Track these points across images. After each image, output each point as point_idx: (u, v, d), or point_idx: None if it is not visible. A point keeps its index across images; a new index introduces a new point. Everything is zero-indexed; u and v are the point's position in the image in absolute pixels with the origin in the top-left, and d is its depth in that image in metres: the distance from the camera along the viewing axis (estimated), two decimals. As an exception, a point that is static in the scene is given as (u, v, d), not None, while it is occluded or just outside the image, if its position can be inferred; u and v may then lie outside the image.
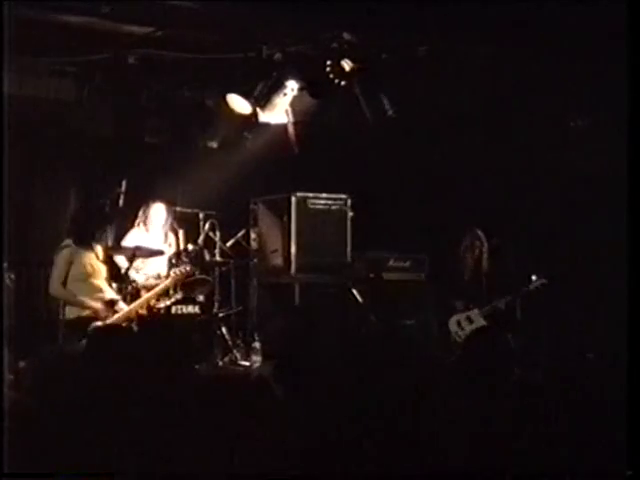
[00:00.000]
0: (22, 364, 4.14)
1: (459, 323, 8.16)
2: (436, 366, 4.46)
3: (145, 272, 8.66)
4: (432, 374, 4.21)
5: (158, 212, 8.90)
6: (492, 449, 3.51)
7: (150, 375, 3.81)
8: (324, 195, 10.11)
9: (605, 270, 7.85)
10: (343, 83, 7.17)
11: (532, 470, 3.18)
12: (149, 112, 8.88)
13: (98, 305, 7.35)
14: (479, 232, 8.28)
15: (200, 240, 9.41)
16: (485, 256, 8.23)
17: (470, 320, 8.11)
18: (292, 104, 7.48)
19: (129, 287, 8.08)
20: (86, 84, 8.40)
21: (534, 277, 7.90)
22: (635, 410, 3.50)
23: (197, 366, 7.87)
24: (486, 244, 8.23)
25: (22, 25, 6.72)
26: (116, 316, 7.38)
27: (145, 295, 7.99)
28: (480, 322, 8.03)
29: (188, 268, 8.18)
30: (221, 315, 9.36)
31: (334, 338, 4.88)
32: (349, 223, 10.08)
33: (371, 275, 9.73)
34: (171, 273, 8.16)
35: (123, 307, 7.56)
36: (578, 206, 8.45)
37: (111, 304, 7.38)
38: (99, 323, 7.12)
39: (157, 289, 8.06)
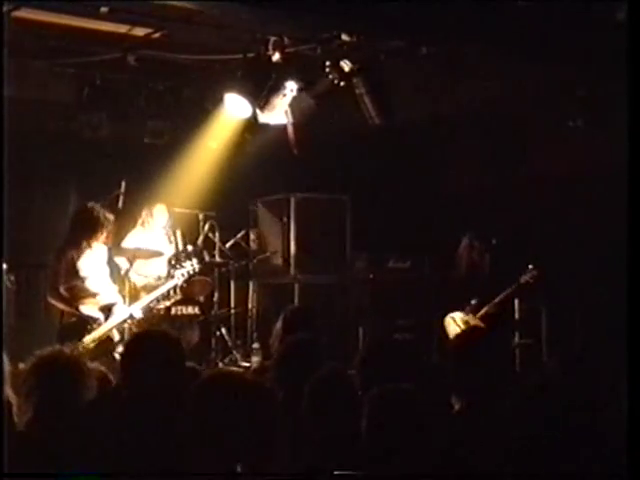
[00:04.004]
0: (21, 366, 4.11)
1: (456, 324, 8.10)
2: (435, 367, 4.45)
3: (145, 273, 8.65)
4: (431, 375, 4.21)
5: (158, 213, 8.90)
6: (491, 450, 3.51)
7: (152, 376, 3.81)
8: (324, 195, 10.11)
9: (605, 270, 7.84)
10: (342, 84, 7.17)
11: (532, 471, 3.18)
12: (149, 113, 8.88)
13: (93, 312, 7.29)
14: (478, 233, 8.26)
15: (200, 241, 9.42)
16: (484, 257, 8.20)
17: (467, 323, 8.06)
18: (291, 105, 7.47)
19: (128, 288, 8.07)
20: (86, 85, 8.40)
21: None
22: (635, 411, 3.50)
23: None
24: (485, 245, 8.21)
25: (21, 26, 6.74)
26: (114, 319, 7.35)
27: (147, 295, 7.98)
28: (478, 323, 7.99)
29: (194, 265, 8.13)
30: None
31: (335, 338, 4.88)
32: (349, 223, 10.10)
33: (371, 275, 9.74)
34: (177, 274, 8.13)
35: (122, 308, 7.52)
36: (577, 206, 8.44)
37: (108, 308, 7.32)
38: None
39: (162, 289, 8.05)
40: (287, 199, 9.96)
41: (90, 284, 7.33)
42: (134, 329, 7.24)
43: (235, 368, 8.68)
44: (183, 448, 3.13)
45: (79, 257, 7.27)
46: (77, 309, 7.21)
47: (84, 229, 7.32)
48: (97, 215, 7.31)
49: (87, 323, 7.15)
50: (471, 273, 8.26)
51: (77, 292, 7.28)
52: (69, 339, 6.75)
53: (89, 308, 7.28)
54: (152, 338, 4.04)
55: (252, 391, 3.01)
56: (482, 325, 7.81)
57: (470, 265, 8.26)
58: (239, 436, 2.90)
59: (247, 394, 2.98)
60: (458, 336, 6.96)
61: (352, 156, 9.80)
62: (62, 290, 7.24)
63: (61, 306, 7.27)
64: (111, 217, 7.40)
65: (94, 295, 7.33)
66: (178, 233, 9.03)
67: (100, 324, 7.20)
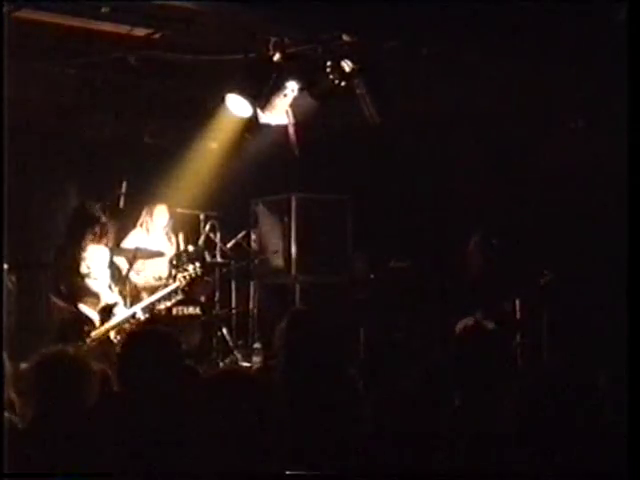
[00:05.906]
0: (22, 365, 4.12)
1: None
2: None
3: (145, 274, 8.66)
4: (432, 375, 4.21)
5: (158, 213, 8.91)
6: (489, 450, 3.51)
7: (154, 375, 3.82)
8: (325, 195, 10.12)
9: (605, 270, 7.84)
10: (343, 84, 7.17)
11: (531, 471, 3.18)
12: (149, 113, 8.89)
13: (93, 312, 7.29)
14: (486, 233, 8.19)
15: (200, 241, 9.42)
16: (494, 257, 8.11)
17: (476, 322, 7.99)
18: (292, 105, 7.47)
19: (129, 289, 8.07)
20: (86, 85, 8.40)
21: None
22: (636, 410, 3.50)
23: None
24: (494, 245, 8.13)
25: (21, 26, 6.74)
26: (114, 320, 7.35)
27: (148, 296, 7.99)
28: (490, 326, 7.90)
29: (197, 268, 8.11)
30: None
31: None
32: (349, 223, 10.10)
33: (371, 275, 9.73)
34: (180, 277, 8.12)
35: (123, 310, 7.52)
36: (577, 206, 8.44)
37: (109, 309, 7.32)
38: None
39: (164, 291, 8.04)
40: (288, 199, 9.96)
41: (91, 283, 7.35)
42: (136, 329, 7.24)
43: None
44: (184, 447, 3.13)
45: (80, 254, 7.29)
46: (77, 307, 7.22)
47: (82, 227, 7.36)
48: (92, 212, 7.36)
49: (87, 321, 7.16)
50: (485, 272, 8.11)
51: (78, 290, 7.29)
52: (69, 337, 6.77)
53: (89, 308, 7.28)
54: (147, 338, 4.05)
55: (257, 388, 3.01)
56: (490, 325, 7.76)
57: (484, 263, 8.11)
58: (244, 434, 2.90)
59: (253, 391, 2.99)
60: (462, 332, 6.94)
61: (352, 156, 9.80)
62: (62, 288, 7.26)
63: (61, 304, 7.28)
64: (107, 214, 7.43)
65: (95, 295, 7.34)
66: (180, 236, 9.05)
67: (100, 324, 7.21)
